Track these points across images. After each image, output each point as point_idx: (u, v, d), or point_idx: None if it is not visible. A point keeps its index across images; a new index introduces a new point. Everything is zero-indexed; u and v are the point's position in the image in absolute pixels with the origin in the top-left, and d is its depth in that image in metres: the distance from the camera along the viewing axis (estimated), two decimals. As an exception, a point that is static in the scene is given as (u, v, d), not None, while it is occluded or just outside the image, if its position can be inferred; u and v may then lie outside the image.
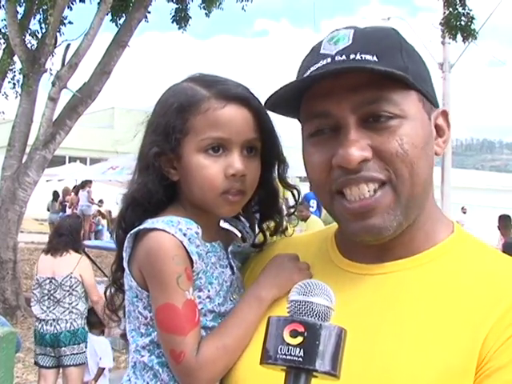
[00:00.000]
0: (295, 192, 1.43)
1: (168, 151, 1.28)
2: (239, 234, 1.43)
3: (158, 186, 1.30)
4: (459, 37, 13.70)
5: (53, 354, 5.68)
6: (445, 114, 1.22)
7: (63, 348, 5.62)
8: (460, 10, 13.40)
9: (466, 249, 1.20)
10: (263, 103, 1.22)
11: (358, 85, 1.09)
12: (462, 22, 13.41)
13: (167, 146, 1.28)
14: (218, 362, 1.19)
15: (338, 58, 1.11)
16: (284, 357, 0.86)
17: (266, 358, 0.88)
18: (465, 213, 24.78)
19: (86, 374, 5.83)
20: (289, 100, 1.16)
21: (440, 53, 22.49)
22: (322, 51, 1.14)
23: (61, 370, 5.79)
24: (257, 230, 1.44)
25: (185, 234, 1.24)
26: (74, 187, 21.02)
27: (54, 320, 5.64)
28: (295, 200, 1.45)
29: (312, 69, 1.13)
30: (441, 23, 14.13)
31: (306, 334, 0.86)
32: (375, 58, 1.09)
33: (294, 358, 0.85)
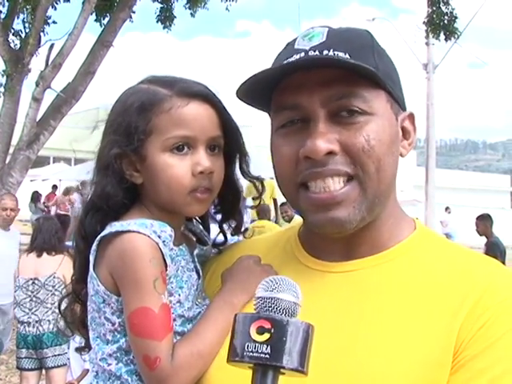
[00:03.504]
0: (258, 183, 1.41)
1: (130, 152, 1.25)
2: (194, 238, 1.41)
3: (118, 188, 1.25)
4: (442, 36, 13.80)
5: (35, 356, 5.64)
6: (411, 117, 1.24)
7: (45, 350, 5.58)
8: (443, 8, 13.51)
9: (429, 245, 1.21)
10: (235, 91, 1.20)
11: (329, 79, 1.11)
12: (445, 21, 13.52)
13: (129, 147, 1.24)
14: (192, 367, 1.16)
15: (311, 53, 1.13)
16: (251, 354, 0.85)
17: (233, 356, 0.87)
18: (449, 213, 24.91)
19: (68, 375, 5.78)
20: (259, 91, 1.17)
21: (424, 54, 22.65)
22: (296, 46, 1.16)
23: (43, 371, 5.75)
24: (213, 230, 1.42)
25: (159, 237, 1.20)
26: (54, 186, 20.90)
27: (36, 321, 5.60)
28: (258, 191, 1.43)
29: (286, 62, 1.14)
30: (424, 22, 14.23)
31: (272, 330, 0.85)
32: (347, 56, 1.11)
33: (261, 355, 0.85)
